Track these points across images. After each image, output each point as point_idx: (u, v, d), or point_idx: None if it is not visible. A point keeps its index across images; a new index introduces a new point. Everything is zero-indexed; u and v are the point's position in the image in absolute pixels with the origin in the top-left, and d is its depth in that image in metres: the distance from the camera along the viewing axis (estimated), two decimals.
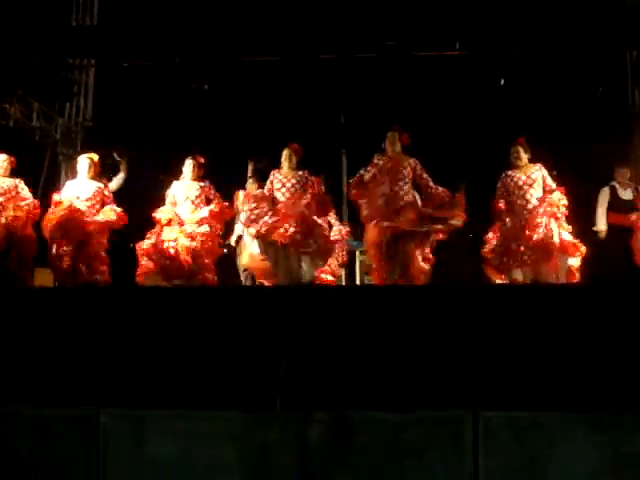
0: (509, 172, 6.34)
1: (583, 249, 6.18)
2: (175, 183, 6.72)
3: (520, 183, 6.28)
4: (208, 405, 4.44)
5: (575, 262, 6.23)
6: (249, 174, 7.92)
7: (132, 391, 4.43)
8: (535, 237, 6.03)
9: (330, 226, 7.43)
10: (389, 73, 9.17)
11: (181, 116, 9.52)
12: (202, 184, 6.71)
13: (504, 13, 8.40)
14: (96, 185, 6.75)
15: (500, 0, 8.59)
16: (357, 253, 9.03)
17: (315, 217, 6.31)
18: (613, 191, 7.20)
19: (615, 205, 7.13)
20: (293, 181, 6.34)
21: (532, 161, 6.37)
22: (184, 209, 6.57)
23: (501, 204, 6.31)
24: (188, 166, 6.71)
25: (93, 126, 10.10)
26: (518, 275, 6.11)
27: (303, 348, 4.67)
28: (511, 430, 3.73)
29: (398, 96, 9.34)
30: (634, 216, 6.90)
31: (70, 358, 4.62)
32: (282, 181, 6.35)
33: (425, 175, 6.27)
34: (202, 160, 6.81)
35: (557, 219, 6.19)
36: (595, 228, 7.15)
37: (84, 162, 6.83)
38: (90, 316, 4.72)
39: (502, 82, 7.94)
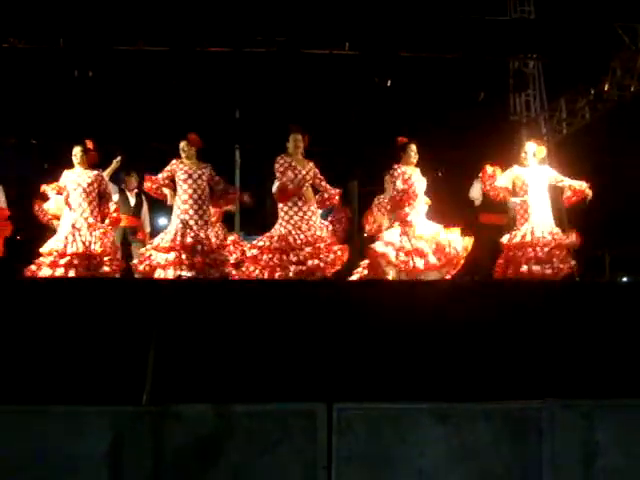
0: (402, 167, 6.25)
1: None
2: (66, 172, 6.45)
3: (412, 180, 6.24)
4: (63, 400, 4.23)
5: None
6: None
7: None
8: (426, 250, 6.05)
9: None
10: (282, 70, 9.17)
11: (65, 103, 9.15)
12: (95, 173, 6.46)
13: (393, 17, 8.57)
14: None
15: (390, 5, 8.79)
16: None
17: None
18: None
19: (489, 206, 7.38)
20: (199, 172, 6.40)
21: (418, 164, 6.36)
22: (74, 198, 6.30)
23: (398, 198, 6.17)
24: (76, 153, 6.44)
25: None
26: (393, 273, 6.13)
27: (170, 340, 4.56)
28: (365, 422, 3.72)
29: (291, 93, 9.36)
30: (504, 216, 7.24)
31: None
32: (188, 172, 6.38)
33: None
34: (91, 146, 6.52)
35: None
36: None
37: None
38: None
39: (389, 83, 8.08)
